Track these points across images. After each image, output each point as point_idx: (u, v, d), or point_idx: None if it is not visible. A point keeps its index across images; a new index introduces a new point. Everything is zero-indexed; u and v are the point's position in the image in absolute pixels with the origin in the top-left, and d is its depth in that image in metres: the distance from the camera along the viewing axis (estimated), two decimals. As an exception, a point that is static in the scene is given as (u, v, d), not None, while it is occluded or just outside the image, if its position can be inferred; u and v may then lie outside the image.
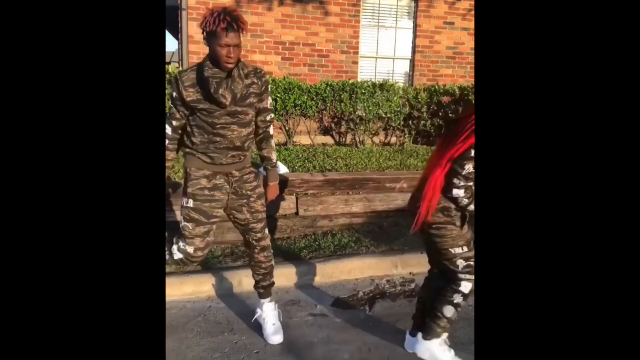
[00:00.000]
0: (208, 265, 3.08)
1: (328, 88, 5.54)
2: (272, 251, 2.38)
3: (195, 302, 2.75)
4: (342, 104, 5.54)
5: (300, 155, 4.79)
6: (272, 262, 2.39)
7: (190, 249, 2.14)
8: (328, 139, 6.08)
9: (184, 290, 2.84)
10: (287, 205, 3.81)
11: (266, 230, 2.30)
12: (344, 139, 5.97)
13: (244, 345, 2.33)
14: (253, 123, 2.16)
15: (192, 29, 6.16)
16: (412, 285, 3.06)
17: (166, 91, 4.92)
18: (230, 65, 1.98)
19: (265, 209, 2.29)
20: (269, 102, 2.20)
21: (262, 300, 2.43)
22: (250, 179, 2.22)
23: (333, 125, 5.88)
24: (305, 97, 5.45)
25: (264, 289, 2.41)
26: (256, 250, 2.30)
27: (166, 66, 5.08)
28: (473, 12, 6.98)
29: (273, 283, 2.44)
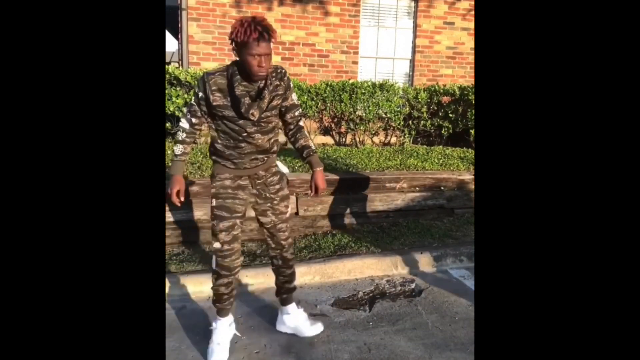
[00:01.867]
0: (208, 265, 3.08)
1: (328, 88, 5.54)
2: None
3: (195, 302, 2.75)
4: (342, 104, 5.54)
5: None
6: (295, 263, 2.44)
7: (217, 245, 2.20)
8: (328, 139, 6.08)
9: (184, 291, 2.85)
10: (287, 205, 3.81)
11: (290, 230, 2.38)
12: (344, 139, 5.97)
13: (244, 345, 2.33)
14: (276, 128, 2.21)
15: (192, 29, 6.15)
16: (412, 285, 3.06)
17: (166, 91, 4.92)
18: (262, 75, 2.00)
19: (288, 210, 2.35)
20: (294, 97, 2.22)
21: (285, 307, 2.47)
22: (274, 182, 2.27)
23: (333, 125, 5.88)
24: (306, 97, 5.45)
25: (287, 293, 2.45)
26: (284, 249, 2.35)
27: (166, 66, 5.08)
28: (473, 12, 6.98)
29: (295, 287, 2.49)
